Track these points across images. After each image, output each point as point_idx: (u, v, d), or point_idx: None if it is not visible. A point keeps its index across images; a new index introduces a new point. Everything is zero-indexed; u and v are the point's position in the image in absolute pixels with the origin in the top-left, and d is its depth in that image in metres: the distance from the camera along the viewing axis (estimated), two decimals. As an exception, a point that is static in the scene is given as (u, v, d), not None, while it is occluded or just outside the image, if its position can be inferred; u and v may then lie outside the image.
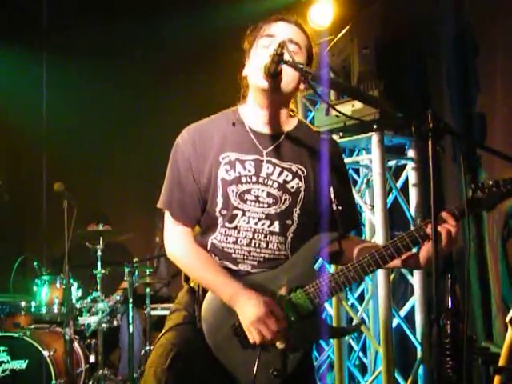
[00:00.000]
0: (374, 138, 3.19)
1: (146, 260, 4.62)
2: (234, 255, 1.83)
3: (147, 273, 4.46)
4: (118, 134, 5.25)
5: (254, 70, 1.83)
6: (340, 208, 1.88)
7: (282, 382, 1.74)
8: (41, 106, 4.62)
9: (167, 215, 1.90)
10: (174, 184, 1.89)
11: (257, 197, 1.84)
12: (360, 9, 3.42)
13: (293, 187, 1.86)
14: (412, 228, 1.80)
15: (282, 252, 1.85)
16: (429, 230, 1.73)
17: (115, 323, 4.39)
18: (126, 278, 4.22)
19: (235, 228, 1.83)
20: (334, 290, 1.79)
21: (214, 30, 4.38)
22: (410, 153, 3.45)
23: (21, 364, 3.72)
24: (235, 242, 1.83)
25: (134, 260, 4.32)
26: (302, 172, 1.88)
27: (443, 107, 3.30)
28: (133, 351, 4.12)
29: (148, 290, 4.39)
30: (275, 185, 1.85)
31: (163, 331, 1.89)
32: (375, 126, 3.15)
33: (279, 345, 1.71)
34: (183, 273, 1.91)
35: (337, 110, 2.20)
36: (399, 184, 3.51)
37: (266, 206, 1.84)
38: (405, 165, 3.50)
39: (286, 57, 1.72)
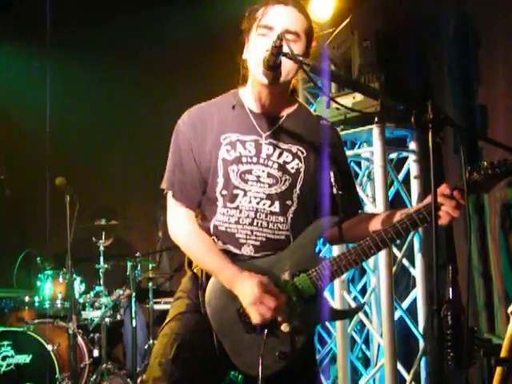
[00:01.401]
0: (375, 130, 3.19)
1: (149, 254, 4.64)
2: (236, 235, 1.85)
3: (150, 267, 4.48)
4: (121, 130, 5.27)
5: (253, 63, 1.84)
6: (340, 193, 1.91)
7: (287, 364, 1.77)
8: (44, 101, 4.62)
9: (169, 197, 1.93)
10: (175, 165, 1.92)
11: (258, 177, 1.87)
12: (360, 1, 3.40)
13: (293, 168, 1.89)
14: (412, 211, 1.80)
15: (283, 232, 1.88)
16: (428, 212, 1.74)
17: (118, 317, 4.41)
18: (128, 273, 4.24)
19: (237, 208, 1.86)
20: (336, 273, 1.83)
21: (214, 23, 4.37)
22: (412, 145, 3.45)
23: (25, 358, 3.75)
24: (237, 222, 1.85)
25: (137, 254, 4.34)
26: (302, 153, 1.91)
27: (444, 99, 3.28)
28: (136, 345, 4.15)
29: (151, 284, 4.42)
30: (275, 165, 1.88)
31: (167, 320, 1.90)
32: (376, 119, 3.14)
33: (284, 328, 1.74)
34: (186, 258, 1.94)
35: (337, 103, 2.21)
36: (401, 176, 3.50)
37: (266, 186, 1.87)
38: (406, 157, 3.50)
39: (285, 49, 1.72)
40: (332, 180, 1.90)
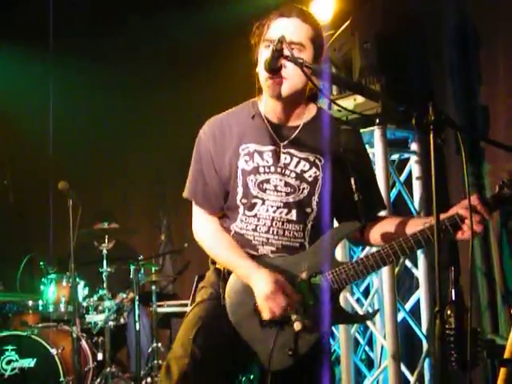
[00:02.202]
0: (377, 131, 3.19)
1: (152, 258, 4.65)
2: (253, 242, 1.93)
3: (153, 270, 4.49)
4: (124, 133, 5.28)
5: (261, 74, 1.89)
6: (361, 198, 1.93)
7: (296, 361, 1.83)
8: (47, 105, 4.65)
9: (194, 205, 2.04)
10: (198, 176, 2.02)
11: (275, 186, 1.93)
12: (361, 3, 3.41)
13: (310, 176, 1.94)
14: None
15: (298, 240, 1.94)
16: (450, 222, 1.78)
17: (122, 321, 4.42)
18: (132, 276, 4.25)
19: (255, 216, 1.94)
20: (352, 277, 1.87)
21: (225, 26, 4.36)
22: (413, 146, 3.45)
23: (29, 362, 3.76)
24: (254, 230, 1.94)
25: (140, 258, 4.35)
26: (320, 161, 1.95)
27: (446, 100, 3.29)
28: (140, 348, 4.16)
29: (154, 287, 4.42)
30: (292, 174, 1.94)
31: (192, 306, 2.00)
32: (377, 120, 3.15)
33: (296, 326, 1.79)
34: (210, 256, 2.02)
35: (338, 105, 2.22)
36: (403, 177, 3.50)
37: (284, 194, 1.93)
38: (408, 158, 3.50)
39: (286, 52, 1.74)
40: (353, 186, 1.93)
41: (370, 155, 3.48)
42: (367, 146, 3.55)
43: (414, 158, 3.45)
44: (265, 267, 1.85)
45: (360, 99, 3.09)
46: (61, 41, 4.63)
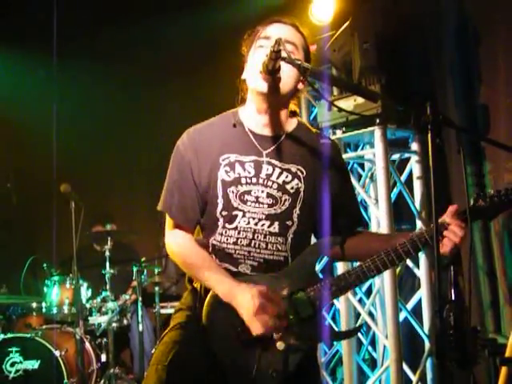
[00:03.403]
0: (377, 132, 3.19)
1: (155, 259, 4.66)
2: (234, 255, 1.84)
3: (156, 272, 4.50)
4: (125, 135, 5.30)
5: (252, 72, 1.85)
6: (342, 211, 1.90)
7: (281, 382, 1.74)
8: (49, 108, 4.66)
9: (168, 218, 1.92)
10: (174, 187, 1.90)
11: (256, 197, 1.85)
12: (361, 3, 3.41)
13: (292, 188, 1.87)
14: (414, 234, 1.80)
15: (282, 253, 1.86)
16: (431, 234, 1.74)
17: (125, 322, 4.43)
18: (134, 278, 4.27)
19: (235, 228, 1.84)
20: (335, 293, 1.81)
21: (215, 30, 4.39)
22: (414, 146, 3.45)
23: (33, 364, 3.77)
24: (235, 243, 1.84)
25: (143, 259, 4.36)
26: (302, 173, 1.89)
27: (446, 100, 3.29)
28: (143, 350, 4.17)
29: (157, 288, 4.43)
30: (275, 185, 1.86)
31: (167, 330, 1.91)
32: (378, 120, 3.15)
33: (279, 345, 1.72)
34: (187, 275, 1.93)
35: (336, 106, 2.21)
36: (403, 177, 3.51)
37: (265, 206, 1.85)
38: (409, 158, 3.50)
39: (283, 54, 1.73)
40: (333, 199, 1.89)
41: (371, 155, 3.52)
42: (368, 146, 3.58)
43: (414, 158, 3.45)
44: (244, 283, 1.76)
45: (360, 99, 3.09)
46: (63, 45, 4.64)
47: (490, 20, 3.10)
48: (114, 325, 4.22)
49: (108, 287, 4.26)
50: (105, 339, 4.24)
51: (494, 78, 3.06)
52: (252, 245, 1.84)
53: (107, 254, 4.30)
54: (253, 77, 1.85)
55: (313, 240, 1.98)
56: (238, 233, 1.84)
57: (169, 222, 1.92)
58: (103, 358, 4.18)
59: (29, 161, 5.22)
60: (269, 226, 1.85)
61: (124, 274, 4.58)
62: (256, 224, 1.84)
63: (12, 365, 3.76)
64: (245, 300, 1.72)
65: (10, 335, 3.86)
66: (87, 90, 5.18)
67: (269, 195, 1.86)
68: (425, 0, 3.41)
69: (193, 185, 1.88)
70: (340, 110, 2.94)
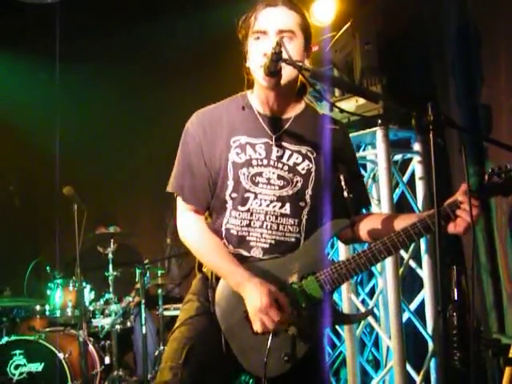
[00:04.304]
0: (379, 132, 3.19)
1: (158, 261, 4.66)
2: (247, 238, 1.86)
3: (159, 274, 4.50)
4: (127, 137, 5.31)
5: (254, 66, 1.87)
6: (351, 196, 1.90)
7: (292, 367, 1.78)
8: (52, 111, 4.67)
9: (179, 200, 1.93)
10: (185, 168, 1.92)
11: (268, 179, 1.87)
12: (362, 4, 3.42)
13: (303, 169, 1.90)
14: (425, 214, 1.79)
15: (294, 235, 1.88)
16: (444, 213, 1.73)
17: (128, 324, 4.43)
18: (138, 280, 4.27)
19: (248, 211, 1.86)
20: (345, 276, 1.82)
21: (218, 29, 4.39)
22: (416, 146, 3.45)
23: (37, 367, 3.78)
24: (248, 225, 1.86)
25: (146, 261, 4.37)
26: (312, 154, 1.91)
27: (448, 100, 3.28)
28: (146, 352, 4.17)
29: (160, 290, 4.44)
30: (286, 167, 1.89)
31: (177, 324, 1.92)
32: (379, 121, 3.15)
33: (291, 331, 1.75)
34: (197, 261, 1.95)
35: (338, 108, 2.21)
36: (406, 178, 3.50)
37: (277, 188, 1.87)
38: (411, 158, 3.50)
39: (284, 55, 1.74)
40: (342, 183, 1.90)
41: (373, 156, 3.52)
42: (369, 147, 3.58)
43: (416, 158, 3.45)
44: (255, 273, 1.78)
45: (362, 100, 3.09)
46: (66, 48, 4.66)
47: (492, 20, 3.09)
48: (118, 327, 4.23)
49: (111, 289, 4.27)
50: (108, 341, 4.25)
51: (495, 77, 3.06)
52: (264, 226, 1.86)
53: (110, 256, 4.31)
54: (255, 72, 1.86)
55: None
56: (250, 215, 1.86)
57: (180, 204, 1.93)
58: (107, 360, 4.18)
59: (32, 163, 5.24)
60: (280, 208, 1.87)
61: (127, 276, 4.58)
62: (268, 205, 1.86)
63: (16, 367, 3.78)
64: (253, 296, 1.73)
65: (13, 338, 3.88)
66: (89, 92, 5.19)
67: (280, 177, 1.88)
68: (426, 0, 3.41)
69: (204, 166, 1.89)
70: (341, 111, 2.94)
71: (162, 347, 4.31)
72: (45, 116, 4.86)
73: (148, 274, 4.39)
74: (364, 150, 3.66)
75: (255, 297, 1.73)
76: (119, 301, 4.33)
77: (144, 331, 4.14)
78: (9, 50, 5.00)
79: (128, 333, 4.58)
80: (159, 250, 5.02)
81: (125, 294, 4.51)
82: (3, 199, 4.58)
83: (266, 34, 1.84)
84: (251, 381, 1.94)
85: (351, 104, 3.15)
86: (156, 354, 4.41)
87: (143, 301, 4.16)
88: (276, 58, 1.74)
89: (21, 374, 3.76)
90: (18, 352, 3.78)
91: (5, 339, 3.84)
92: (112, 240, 4.35)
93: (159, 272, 4.52)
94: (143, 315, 4.14)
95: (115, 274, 4.30)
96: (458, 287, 1.85)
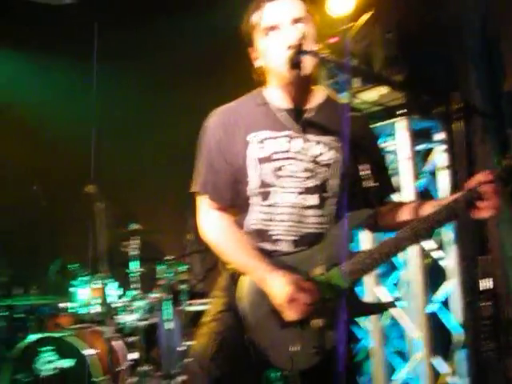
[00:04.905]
0: (401, 122, 3.17)
1: (181, 257, 4.69)
2: (273, 232, 1.85)
3: (182, 269, 4.53)
4: (151, 134, 5.32)
5: (276, 64, 1.85)
6: (375, 184, 1.89)
7: (321, 359, 1.77)
8: (77, 110, 4.71)
9: (201, 199, 1.93)
10: (207, 167, 1.92)
11: (292, 172, 1.86)
12: (382, -7, 3.38)
13: (328, 159, 1.88)
14: (449, 199, 1.77)
15: (319, 226, 1.86)
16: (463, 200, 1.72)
17: (153, 320, 4.47)
18: (161, 276, 4.30)
19: (272, 205, 1.85)
20: (369, 266, 1.80)
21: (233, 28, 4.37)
22: (438, 136, 3.41)
23: (66, 363, 3.81)
24: (273, 219, 1.85)
25: (169, 257, 4.39)
26: (336, 143, 1.89)
27: (470, 88, 3.24)
28: (171, 347, 4.20)
29: (183, 286, 4.46)
30: (309, 159, 1.87)
31: (205, 319, 1.92)
32: (401, 111, 3.12)
33: (316, 323, 1.75)
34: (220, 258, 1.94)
35: (358, 99, 2.18)
36: (429, 168, 3.47)
37: (301, 180, 1.86)
38: (434, 148, 3.46)
39: (306, 48, 1.76)
40: (366, 172, 1.88)
41: (394, 147, 3.48)
42: (390, 138, 3.55)
43: (439, 148, 3.42)
44: (280, 267, 1.78)
45: (383, 90, 3.07)
46: (103, 47, 4.69)
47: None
48: (143, 323, 4.26)
49: (135, 286, 4.30)
50: (134, 337, 4.28)
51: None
52: (291, 220, 1.84)
53: (133, 252, 4.35)
54: (277, 67, 1.85)
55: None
56: (276, 209, 1.84)
57: (202, 203, 1.93)
58: (132, 356, 4.21)
59: (55, 162, 5.29)
60: (306, 200, 1.85)
61: (150, 273, 4.61)
62: (294, 198, 1.84)
63: (45, 364, 3.81)
64: (276, 287, 1.73)
65: (42, 335, 3.93)
66: (113, 91, 5.21)
67: (303, 169, 1.86)
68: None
69: (225, 163, 1.89)
70: (362, 102, 2.92)
71: (186, 342, 4.33)
72: (70, 115, 4.90)
73: (172, 270, 4.42)
74: (386, 140, 3.63)
75: (280, 287, 1.72)
76: (144, 297, 4.37)
77: (168, 327, 4.17)
78: (41, 51, 5.03)
79: (153, 329, 4.61)
80: (180, 246, 5.04)
81: (148, 290, 4.55)
82: (28, 199, 4.64)
83: (280, 27, 1.83)
84: (279, 375, 1.92)
85: (373, 94, 3.13)
86: (180, 349, 4.44)
87: (167, 296, 4.19)
88: (298, 52, 1.75)
89: (50, 370, 3.78)
90: (46, 349, 3.82)
91: (36, 336, 3.89)
92: (135, 237, 4.38)
93: (182, 268, 4.54)
94: (168, 311, 4.17)
95: (139, 270, 4.33)
96: (488, 277, 1.82)
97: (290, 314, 1.72)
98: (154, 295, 4.46)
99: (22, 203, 4.86)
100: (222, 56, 4.79)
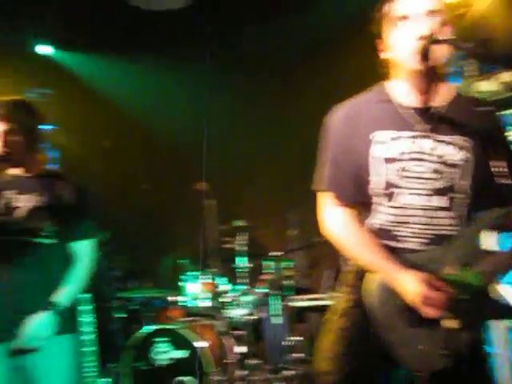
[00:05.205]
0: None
1: (288, 252, 4.72)
2: (401, 234, 1.80)
3: (287, 265, 4.56)
4: (256, 132, 5.40)
5: (407, 55, 1.79)
6: (509, 181, 1.79)
7: (451, 362, 1.70)
8: (188, 110, 4.84)
9: (325, 196, 1.91)
10: (330, 164, 1.90)
11: (420, 173, 1.80)
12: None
13: (458, 160, 1.80)
14: None
15: (450, 227, 1.80)
16: None
17: (260, 315, 4.53)
18: (267, 271, 4.35)
19: (400, 207, 1.80)
20: (504, 268, 1.73)
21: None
22: None
23: (180, 353, 3.98)
24: (402, 222, 1.80)
25: (275, 253, 4.44)
26: (468, 143, 1.81)
27: None
28: (277, 342, 4.24)
29: (288, 281, 4.49)
30: (438, 159, 1.80)
31: (331, 315, 1.91)
32: (528, 99, 2.93)
33: (449, 324, 1.69)
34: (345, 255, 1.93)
35: (477, 89, 2.07)
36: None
37: (430, 181, 1.79)
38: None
39: (441, 37, 1.70)
40: (502, 169, 1.79)
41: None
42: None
43: None
44: (408, 265, 1.73)
45: (506, 77, 2.89)
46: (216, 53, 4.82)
47: None
48: (251, 317, 4.34)
49: (243, 281, 4.38)
50: (242, 331, 4.37)
51: None
52: (421, 222, 1.79)
53: (240, 248, 4.43)
54: (407, 59, 1.79)
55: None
56: (404, 210, 1.80)
57: (325, 199, 1.91)
58: (241, 349, 4.30)
59: (165, 160, 5.51)
60: (435, 201, 1.79)
61: (256, 268, 4.69)
62: (422, 200, 1.79)
63: (161, 353, 4.00)
64: (411, 285, 1.70)
65: (157, 326, 4.12)
66: (227, 91, 5.31)
67: (432, 170, 1.80)
68: None
69: (348, 161, 1.86)
70: (483, 92, 2.78)
71: (291, 337, 4.36)
72: (182, 116, 5.04)
73: (277, 266, 4.46)
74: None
75: (413, 285, 1.69)
76: (251, 292, 4.44)
77: (275, 321, 4.20)
78: (152, 53, 5.24)
79: (260, 323, 4.69)
80: (287, 241, 5.08)
81: (254, 285, 4.62)
82: (142, 197, 4.88)
83: (411, 17, 1.77)
84: (408, 375, 1.87)
85: (493, 84, 2.96)
86: (286, 343, 4.47)
87: (274, 292, 4.23)
88: (432, 42, 1.70)
89: (168, 359, 3.98)
90: (163, 339, 4.01)
91: (151, 327, 4.09)
92: (241, 233, 4.47)
93: (288, 264, 4.57)
94: (276, 306, 4.21)
95: (246, 265, 4.41)
96: None
97: (428, 311, 1.69)
98: (262, 290, 4.52)
99: (135, 201, 5.10)
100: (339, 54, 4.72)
